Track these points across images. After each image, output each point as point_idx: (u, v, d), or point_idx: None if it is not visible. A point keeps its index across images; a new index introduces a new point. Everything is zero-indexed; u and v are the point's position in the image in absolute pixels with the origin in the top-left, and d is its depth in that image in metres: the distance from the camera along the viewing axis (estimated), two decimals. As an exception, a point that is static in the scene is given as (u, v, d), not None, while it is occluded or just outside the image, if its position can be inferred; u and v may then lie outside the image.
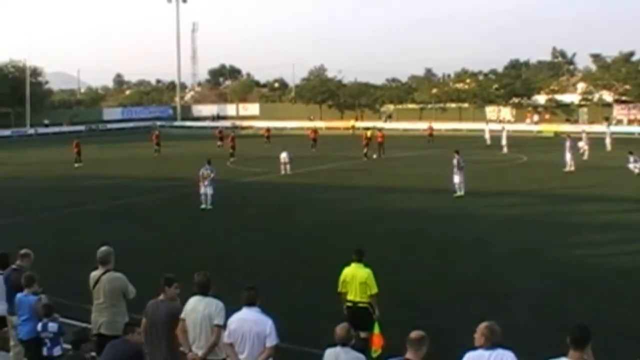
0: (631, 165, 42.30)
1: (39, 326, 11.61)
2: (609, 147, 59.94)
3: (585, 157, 50.83)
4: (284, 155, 46.45)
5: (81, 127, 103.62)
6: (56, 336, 11.55)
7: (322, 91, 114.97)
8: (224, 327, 10.19)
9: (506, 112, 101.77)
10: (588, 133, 57.23)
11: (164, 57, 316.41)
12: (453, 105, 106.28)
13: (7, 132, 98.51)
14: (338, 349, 9.19)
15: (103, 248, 12.21)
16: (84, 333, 10.55)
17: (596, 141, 57.86)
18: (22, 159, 64.02)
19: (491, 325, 8.26)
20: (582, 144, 52.12)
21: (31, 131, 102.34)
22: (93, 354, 10.82)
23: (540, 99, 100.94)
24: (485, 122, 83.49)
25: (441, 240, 25.47)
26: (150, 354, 10.60)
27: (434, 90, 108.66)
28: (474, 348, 8.24)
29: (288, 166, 46.19)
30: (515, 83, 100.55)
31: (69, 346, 11.36)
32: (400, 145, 66.65)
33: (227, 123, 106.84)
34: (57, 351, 11.57)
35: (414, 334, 8.30)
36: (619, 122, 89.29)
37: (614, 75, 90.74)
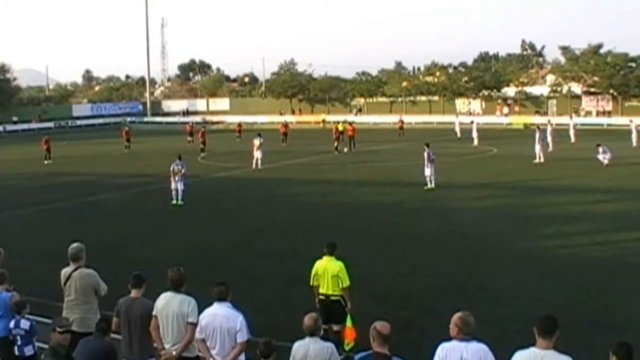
0: (600, 157, 42.66)
1: (12, 323, 11.49)
2: (572, 138, 60.39)
3: (550, 148, 51.02)
4: (256, 142, 46.77)
5: (50, 124, 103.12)
6: (28, 334, 11.41)
7: (292, 85, 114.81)
8: (195, 323, 10.17)
9: (476, 105, 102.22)
10: (554, 125, 57.75)
11: (134, 52, 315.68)
12: (423, 98, 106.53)
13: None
14: (307, 340, 9.20)
15: (74, 245, 12.12)
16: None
17: (561, 133, 58.24)
18: (-9, 157, 63.41)
19: (464, 316, 8.28)
20: (547, 135, 52.31)
21: (0, 129, 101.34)
22: None
23: (510, 91, 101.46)
24: (456, 115, 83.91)
25: (413, 232, 25.54)
26: (123, 351, 10.58)
27: (404, 84, 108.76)
28: (448, 339, 8.27)
29: (259, 161, 46.17)
30: (485, 76, 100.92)
31: (42, 345, 11.30)
32: (370, 138, 66.74)
33: (198, 118, 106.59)
34: (28, 350, 11.41)
35: (384, 329, 8.24)
36: (588, 113, 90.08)
37: (583, 67, 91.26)
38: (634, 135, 55.46)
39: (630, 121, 60.25)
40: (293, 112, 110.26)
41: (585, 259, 21.15)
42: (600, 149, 43.12)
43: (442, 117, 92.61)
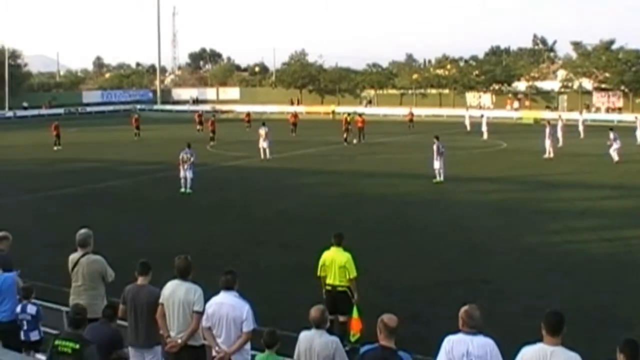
0: (612, 145, 42.45)
1: (18, 308, 11.52)
2: (582, 134, 60.19)
3: (560, 143, 50.84)
4: (262, 132, 46.85)
5: (60, 110, 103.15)
6: (34, 319, 11.46)
7: (302, 76, 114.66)
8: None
9: (486, 99, 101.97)
10: (564, 120, 57.63)
11: (144, 40, 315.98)
12: (433, 91, 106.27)
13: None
14: (313, 332, 9.19)
15: (82, 231, 12.13)
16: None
17: (570, 128, 58.09)
18: (1, 142, 63.36)
19: (470, 310, 8.27)
20: (558, 130, 52.14)
21: (10, 114, 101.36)
22: None
23: (521, 85, 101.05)
24: (466, 109, 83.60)
25: (421, 225, 25.55)
26: (129, 338, 10.59)
27: (415, 76, 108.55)
28: (454, 332, 8.26)
29: (267, 150, 46.18)
30: (496, 70, 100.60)
31: (48, 330, 11.34)
32: (380, 130, 66.60)
33: (207, 107, 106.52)
34: (34, 335, 11.47)
35: (391, 322, 8.23)
36: (598, 109, 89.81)
37: (594, 63, 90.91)
38: (638, 133, 55.14)
39: (636, 118, 60.03)
40: (292, 102, 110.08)
41: (593, 255, 21.12)
42: (612, 135, 43.01)
43: (452, 111, 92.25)
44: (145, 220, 27.28)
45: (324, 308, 9.46)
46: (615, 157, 42.00)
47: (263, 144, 46.55)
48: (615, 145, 42.63)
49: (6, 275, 11.94)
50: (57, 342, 8.88)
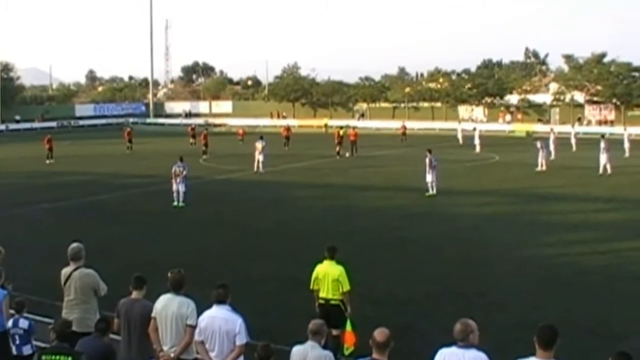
0: (602, 149, 43.13)
1: (10, 322, 11.47)
2: (574, 147, 60.38)
3: (552, 156, 51.00)
4: (259, 145, 46.71)
5: (53, 124, 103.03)
6: (27, 334, 11.41)
7: (295, 89, 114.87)
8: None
9: (479, 112, 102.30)
10: (556, 133, 57.93)
11: (137, 53, 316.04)
12: (426, 104, 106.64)
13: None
14: (306, 345, 9.18)
15: (74, 244, 12.11)
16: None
17: (563, 141, 58.26)
18: (-7, 155, 63.36)
19: (465, 322, 8.26)
20: (550, 143, 52.37)
21: (2, 127, 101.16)
22: None
23: (513, 99, 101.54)
24: (458, 122, 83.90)
25: (414, 238, 25.53)
26: (122, 352, 10.57)
27: (407, 90, 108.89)
28: (447, 344, 8.25)
29: (261, 164, 46.17)
30: (488, 83, 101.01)
31: (41, 344, 11.28)
32: (373, 143, 66.73)
33: (200, 120, 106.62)
34: (27, 350, 11.40)
35: (381, 337, 8.21)
36: (589, 122, 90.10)
37: (586, 76, 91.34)
38: (626, 145, 55.41)
39: (625, 129, 60.40)
40: (271, 116, 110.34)
41: (586, 267, 21.14)
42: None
43: (445, 124, 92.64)
44: (138, 233, 27.20)
45: (323, 323, 9.48)
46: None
47: (259, 157, 46.53)
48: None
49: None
50: (44, 358, 8.85)
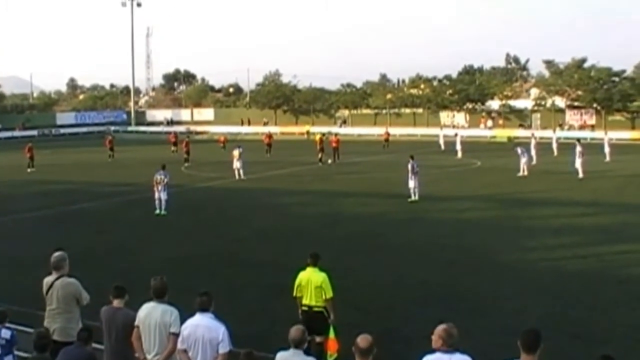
0: (577, 152, 43.33)
1: (-9, 332, 11.38)
2: (555, 152, 60.69)
3: (534, 161, 51.22)
4: (235, 153, 46.93)
5: (34, 132, 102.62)
6: (9, 344, 11.31)
7: (277, 96, 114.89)
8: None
9: (460, 118, 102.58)
10: (537, 138, 58.23)
11: (119, 61, 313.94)
12: (407, 110, 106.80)
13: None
14: (289, 352, 9.14)
15: (57, 253, 12.04)
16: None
17: (544, 146, 58.54)
18: (-27, 164, 63.01)
19: (449, 328, 8.26)
20: (531, 148, 52.63)
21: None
22: None
23: (494, 104, 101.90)
24: (440, 128, 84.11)
25: (396, 244, 25.53)
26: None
27: (389, 96, 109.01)
28: (432, 351, 8.25)
29: (241, 170, 46.15)
30: (469, 89, 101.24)
31: (22, 354, 11.21)
32: (355, 150, 66.83)
33: (182, 128, 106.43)
34: (8, 360, 11.36)
35: (364, 343, 8.17)
36: (572, 127, 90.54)
37: (567, 81, 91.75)
38: (607, 150, 55.83)
39: (605, 133, 60.80)
40: (242, 123, 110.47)
41: (568, 271, 21.19)
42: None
43: (427, 130, 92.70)
44: (120, 241, 27.05)
45: (304, 329, 9.42)
46: (580, 172, 43.05)
47: (237, 164, 46.51)
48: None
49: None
50: None
